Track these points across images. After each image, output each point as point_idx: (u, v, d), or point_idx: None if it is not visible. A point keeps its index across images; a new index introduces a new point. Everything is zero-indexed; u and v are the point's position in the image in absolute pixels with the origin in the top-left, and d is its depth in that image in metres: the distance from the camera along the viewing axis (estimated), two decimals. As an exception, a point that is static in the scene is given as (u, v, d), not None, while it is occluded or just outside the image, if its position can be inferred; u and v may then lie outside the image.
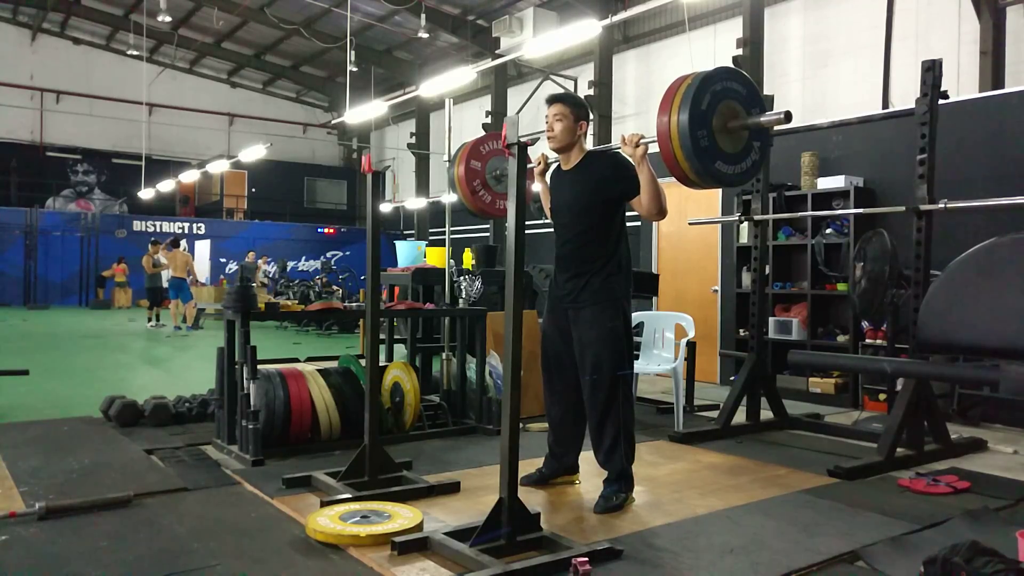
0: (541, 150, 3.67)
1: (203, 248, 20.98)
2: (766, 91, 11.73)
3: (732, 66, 3.42)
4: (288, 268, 18.84)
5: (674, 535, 3.00)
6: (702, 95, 3.03)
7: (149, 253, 14.03)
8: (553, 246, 3.60)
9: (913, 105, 4.43)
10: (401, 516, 3.00)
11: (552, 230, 3.63)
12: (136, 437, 4.56)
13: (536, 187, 3.81)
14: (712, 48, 13.88)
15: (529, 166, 3.51)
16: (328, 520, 2.93)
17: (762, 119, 3.14)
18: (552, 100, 3.46)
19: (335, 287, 15.83)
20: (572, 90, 17.38)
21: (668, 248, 8.14)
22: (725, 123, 3.10)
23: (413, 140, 21.35)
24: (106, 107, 23.45)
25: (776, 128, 5.31)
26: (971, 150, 5.68)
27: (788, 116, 3.08)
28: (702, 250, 7.72)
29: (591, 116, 3.50)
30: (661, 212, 3.32)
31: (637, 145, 3.18)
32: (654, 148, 3.15)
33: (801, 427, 5.13)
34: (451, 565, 2.63)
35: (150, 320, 13.70)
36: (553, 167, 3.65)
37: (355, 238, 24.05)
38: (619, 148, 3.31)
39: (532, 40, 11.91)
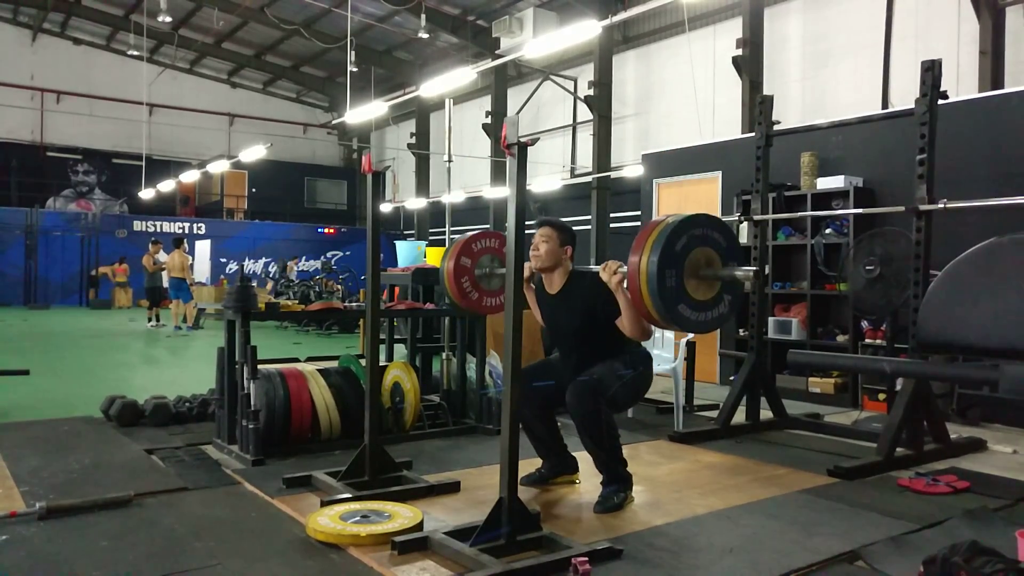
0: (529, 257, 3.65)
1: (203, 248, 20.97)
2: (766, 91, 11.75)
3: (716, 216, 3.33)
4: (287, 268, 18.82)
5: (674, 535, 3.00)
6: (679, 236, 2.95)
7: (149, 252, 14.03)
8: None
9: (913, 105, 4.43)
10: (401, 516, 3.00)
11: None
12: (136, 437, 4.56)
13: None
14: (712, 48, 13.89)
15: None
16: (328, 520, 2.93)
17: (735, 272, 3.05)
18: (541, 224, 3.57)
19: (336, 284, 15.80)
20: (572, 90, 17.42)
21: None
22: (697, 269, 3.03)
23: (413, 140, 21.38)
24: (106, 107, 23.47)
25: (776, 128, 5.37)
26: (971, 150, 5.67)
27: (758, 274, 3.02)
28: (702, 250, 7.70)
29: (576, 241, 3.61)
30: (644, 333, 3.35)
31: (615, 273, 3.25)
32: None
33: (801, 427, 5.13)
34: (451, 565, 2.64)
35: (150, 320, 13.71)
36: (538, 282, 3.70)
37: (355, 238, 24.05)
38: (599, 270, 3.36)
39: (532, 40, 11.89)
